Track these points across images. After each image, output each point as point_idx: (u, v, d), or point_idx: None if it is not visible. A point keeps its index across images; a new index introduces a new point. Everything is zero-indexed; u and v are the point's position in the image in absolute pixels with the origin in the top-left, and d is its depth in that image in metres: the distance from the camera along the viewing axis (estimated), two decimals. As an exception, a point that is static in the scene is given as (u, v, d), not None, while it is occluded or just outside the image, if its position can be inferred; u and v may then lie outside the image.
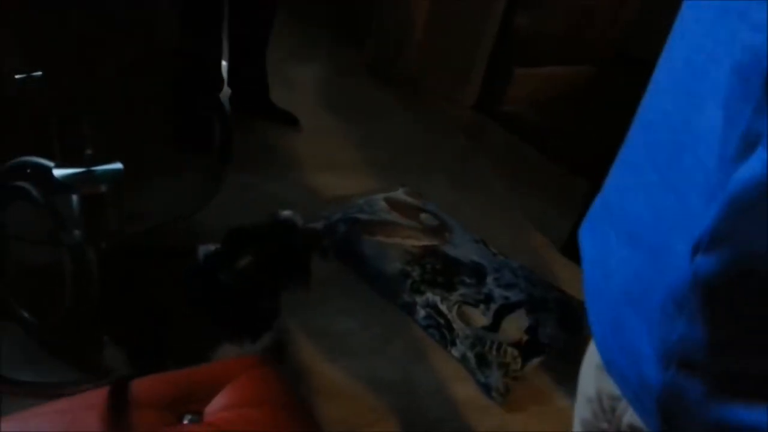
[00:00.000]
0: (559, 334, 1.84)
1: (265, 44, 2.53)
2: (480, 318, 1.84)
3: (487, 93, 3.16)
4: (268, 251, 1.38)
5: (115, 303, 1.42)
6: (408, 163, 2.62)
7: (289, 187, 2.30)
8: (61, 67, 1.60)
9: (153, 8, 1.95)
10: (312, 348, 1.73)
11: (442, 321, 1.83)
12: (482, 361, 1.73)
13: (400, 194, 2.31)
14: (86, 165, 1.20)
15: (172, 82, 2.18)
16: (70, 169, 1.20)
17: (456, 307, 1.85)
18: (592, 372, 0.72)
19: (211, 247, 1.41)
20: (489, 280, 1.97)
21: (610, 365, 0.62)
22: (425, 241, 2.08)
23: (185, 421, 0.87)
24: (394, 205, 2.22)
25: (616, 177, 0.63)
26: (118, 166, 1.22)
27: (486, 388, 1.71)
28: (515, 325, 1.84)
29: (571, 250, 2.20)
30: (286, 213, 1.45)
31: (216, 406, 0.89)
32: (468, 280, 1.95)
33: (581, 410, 0.76)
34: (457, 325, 1.81)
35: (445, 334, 1.82)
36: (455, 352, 1.79)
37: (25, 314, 1.51)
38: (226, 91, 2.60)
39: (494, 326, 1.82)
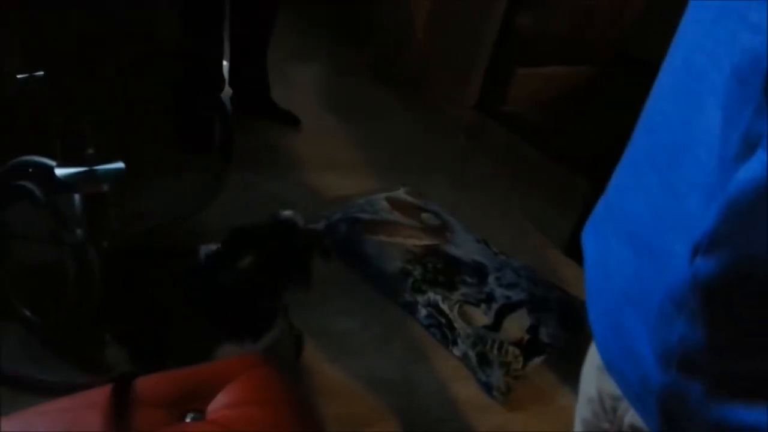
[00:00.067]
0: (560, 334, 1.84)
1: (266, 44, 2.53)
2: (481, 317, 1.85)
3: (488, 93, 3.16)
4: (268, 251, 1.38)
5: (116, 302, 1.42)
6: (409, 162, 2.62)
7: (291, 187, 2.30)
8: (62, 67, 1.60)
9: (154, 8, 1.95)
10: (312, 348, 1.73)
11: (443, 320, 1.83)
12: (483, 361, 1.73)
13: (401, 194, 2.31)
14: (88, 164, 1.20)
15: (174, 81, 2.18)
16: (72, 168, 1.20)
17: (457, 306, 1.86)
18: (593, 372, 0.72)
19: (213, 247, 1.41)
20: (490, 279, 1.98)
21: (610, 366, 0.62)
22: (426, 241, 2.08)
23: (188, 420, 0.87)
24: (395, 204, 2.22)
25: (618, 178, 0.63)
26: (120, 165, 1.22)
27: (487, 388, 1.71)
28: (517, 325, 1.84)
29: (573, 250, 2.20)
30: (287, 213, 1.46)
31: (218, 405, 0.89)
32: (469, 280, 1.96)
33: (582, 410, 0.76)
34: (459, 324, 1.81)
35: (446, 334, 1.82)
36: (456, 352, 1.79)
37: (28, 313, 1.52)
38: (228, 90, 2.60)
39: (496, 325, 1.82)
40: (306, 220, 1.49)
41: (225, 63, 2.55)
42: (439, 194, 2.40)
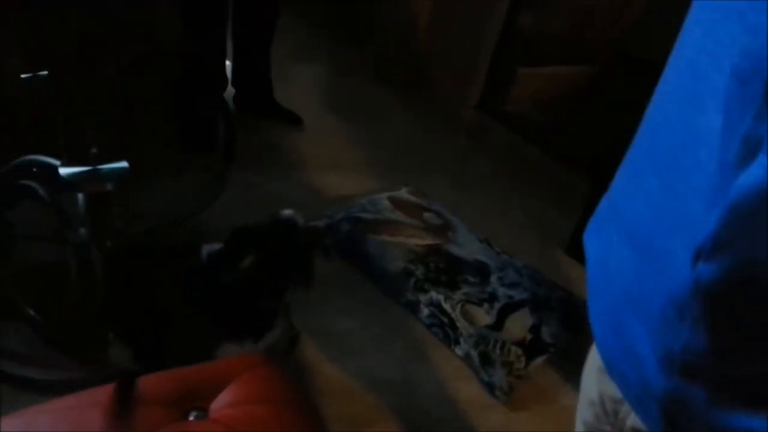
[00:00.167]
0: (562, 333, 1.84)
1: (268, 44, 2.54)
2: (483, 317, 1.85)
3: (490, 93, 3.16)
4: (269, 251, 1.39)
5: (119, 301, 1.43)
6: (410, 162, 2.62)
7: (293, 187, 2.31)
8: (66, 67, 1.60)
9: (156, 8, 1.95)
10: (314, 347, 1.74)
11: (445, 319, 1.83)
12: (486, 360, 1.74)
13: (403, 193, 2.31)
14: (92, 164, 1.21)
15: (176, 81, 2.18)
16: (76, 167, 1.20)
17: (459, 305, 1.86)
18: (593, 374, 0.71)
19: (215, 247, 1.41)
20: (493, 278, 1.98)
21: (611, 368, 0.62)
22: (429, 240, 2.08)
23: (191, 418, 0.87)
24: (397, 204, 2.23)
25: (620, 179, 0.63)
26: (124, 165, 1.22)
27: (489, 387, 1.71)
28: (519, 324, 1.84)
29: (574, 250, 2.20)
30: (287, 212, 1.46)
31: (221, 403, 0.89)
32: (472, 279, 1.96)
33: (583, 413, 0.76)
34: (461, 323, 1.82)
35: (448, 333, 1.82)
36: (459, 351, 1.79)
37: (31, 312, 1.52)
38: (230, 90, 2.60)
39: (498, 325, 1.82)
40: (306, 219, 1.49)
41: (228, 63, 2.55)
42: (441, 194, 2.40)
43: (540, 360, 1.78)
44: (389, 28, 3.21)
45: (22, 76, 1.42)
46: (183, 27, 2.15)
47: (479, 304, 1.88)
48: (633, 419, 0.63)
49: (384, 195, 2.26)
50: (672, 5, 0.57)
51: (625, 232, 0.57)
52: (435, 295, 1.88)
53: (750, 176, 0.41)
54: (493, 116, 3.13)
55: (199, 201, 1.92)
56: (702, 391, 0.48)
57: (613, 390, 0.65)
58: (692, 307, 0.47)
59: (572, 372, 0.77)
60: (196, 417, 0.88)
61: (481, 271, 2.00)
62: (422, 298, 1.89)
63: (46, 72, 1.43)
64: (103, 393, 0.89)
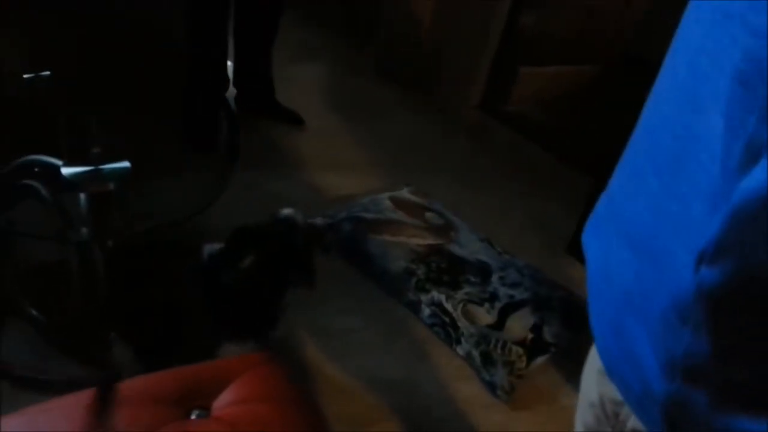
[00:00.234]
0: (563, 333, 1.84)
1: (270, 44, 2.54)
2: (485, 316, 1.85)
3: (491, 92, 3.16)
4: (269, 250, 1.39)
5: (121, 301, 1.43)
6: (412, 162, 2.62)
7: (294, 187, 2.31)
8: (68, 67, 1.61)
9: (159, 8, 1.96)
10: (315, 346, 1.74)
11: (447, 319, 1.84)
12: (487, 360, 1.74)
13: (405, 193, 2.31)
14: (94, 163, 1.21)
15: (179, 81, 2.19)
16: (78, 167, 1.20)
17: (461, 305, 1.86)
18: (593, 376, 0.71)
19: (216, 246, 1.41)
20: (494, 278, 1.98)
21: (611, 370, 0.62)
22: (430, 240, 2.08)
23: (193, 416, 0.87)
24: (399, 203, 2.23)
25: (618, 179, 0.62)
26: (126, 164, 1.22)
27: (491, 387, 1.71)
28: (520, 324, 1.84)
29: (576, 249, 2.20)
30: (287, 211, 1.46)
31: (223, 402, 0.90)
32: (473, 279, 1.96)
33: (584, 415, 0.76)
34: (462, 323, 1.82)
35: (450, 333, 1.82)
36: (460, 351, 1.79)
37: (33, 311, 1.52)
38: (232, 90, 2.61)
39: (499, 324, 1.83)
40: (305, 217, 1.49)
41: (229, 63, 2.56)
42: (443, 193, 2.40)
43: (541, 360, 1.78)
44: (391, 27, 3.21)
45: (25, 76, 1.42)
46: (185, 27, 2.16)
47: (480, 303, 1.88)
48: (633, 421, 0.63)
49: (385, 195, 2.27)
50: (674, 5, 0.57)
51: (625, 234, 0.57)
52: (436, 294, 1.88)
53: (753, 180, 0.41)
54: (494, 116, 3.13)
55: (201, 200, 1.92)
56: (704, 394, 0.48)
57: (613, 392, 0.65)
58: (694, 311, 0.46)
59: (573, 372, 0.77)
60: (198, 416, 0.88)
61: (483, 271, 2.00)
62: (424, 297, 1.89)
63: (48, 72, 1.43)
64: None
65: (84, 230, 1.29)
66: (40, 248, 1.61)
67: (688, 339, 0.47)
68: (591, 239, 0.66)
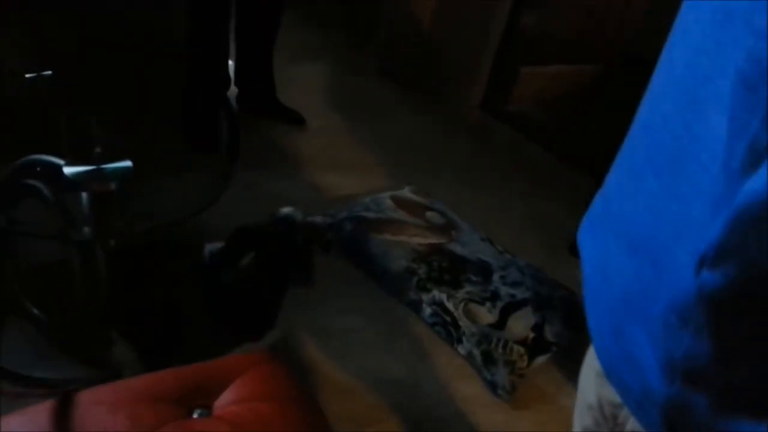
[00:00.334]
0: (565, 332, 1.84)
1: (272, 43, 2.54)
2: (486, 315, 1.85)
3: (493, 92, 3.16)
4: (269, 250, 1.39)
5: (123, 300, 1.43)
6: (414, 162, 2.62)
7: (296, 186, 2.31)
8: (70, 67, 1.61)
9: (159, 8, 1.96)
10: (317, 346, 1.74)
11: (448, 318, 1.84)
12: (488, 359, 1.74)
13: (406, 192, 2.31)
14: (96, 163, 1.21)
15: (180, 81, 2.19)
16: (80, 167, 1.20)
17: (462, 304, 1.86)
18: (591, 378, 0.71)
19: (218, 246, 1.42)
20: (495, 277, 1.98)
21: (610, 372, 0.61)
22: (432, 239, 2.09)
23: (195, 415, 0.87)
24: (400, 203, 2.23)
25: (615, 179, 0.62)
26: (128, 164, 1.22)
27: (492, 386, 1.71)
28: (521, 323, 1.84)
29: (577, 249, 2.20)
30: (286, 210, 1.46)
31: (225, 401, 0.90)
32: (474, 278, 1.96)
33: (582, 417, 0.75)
34: (464, 322, 1.82)
35: (451, 332, 1.82)
36: (461, 350, 1.79)
37: (35, 311, 1.52)
38: (233, 90, 2.61)
39: (500, 324, 1.83)
40: (305, 215, 1.49)
41: (230, 62, 2.56)
42: (444, 193, 2.40)
43: (542, 359, 1.78)
44: (392, 27, 3.22)
45: (27, 76, 1.42)
46: (186, 27, 2.16)
47: (482, 303, 1.88)
48: (632, 424, 0.62)
49: (387, 194, 2.27)
50: (674, 5, 0.57)
51: (624, 234, 0.56)
52: (437, 294, 1.88)
53: (756, 182, 0.40)
54: (496, 116, 3.14)
55: (202, 200, 1.93)
56: (704, 397, 0.47)
57: (611, 394, 0.65)
58: (695, 314, 0.46)
59: (575, 371, 0.78)
60: (200, 414, 0.88)
61: (484, 270, 2.00)
62: (425, 297, 1.89)
63: (50, 72, 1.43)
64: (106, 391, 0.90)
65: (86, 230, 1.29)
66: (41, 248, 1.62)
67: (689, 341, 0.47)
68: (586, 239, 0.65)
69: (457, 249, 2.07)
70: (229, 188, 2.04)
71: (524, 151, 2.93)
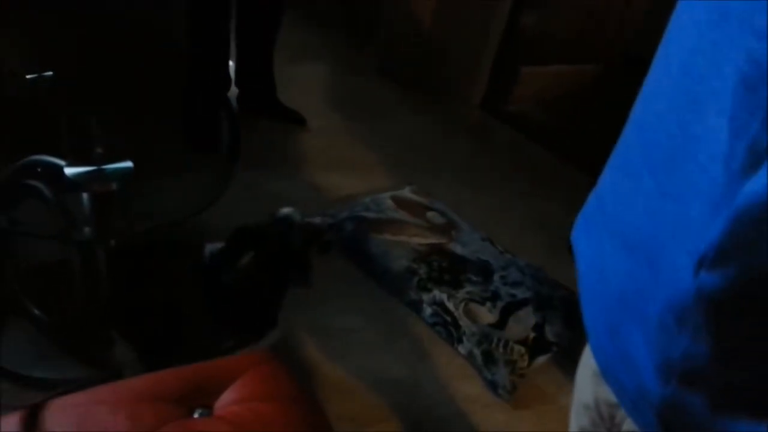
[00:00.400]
0: (565, 332, 1.84)
1: (272, 44, 2.54)
2: (487, 315, 1.85)
3: (493, 92, 3.16)
4: (267, 250, 1.39)
5: (123, 300, 1.43)
6: (415, 162, 2.62)
7: (296, 186, 2.31)
8: (70, 67, 1.61)
9: (159, 8, 1.96)
10: (316, 346, 1.74)
11: (448, 318, 1.84)
12: (489, 359, 1.74)
13: (406, 192, 2.31)
14: (97, 164, 1.21)
15: (181, 81, 2.19)
16: (81, 167, 1.21)
17: (463, 304, 1.86)
18: (588, 378, 0.71)
19: (218, 246, 1.42)
20: (496, 277, 1.98)
21: (606, 371, 0.61)
22: (432, 239, 2.09)
23: (196, 415, 0.87)
24: (400, 203, 2.23)
25: (609, 178, 0.61)
26: (128, 164, 1.23)
27: (492, 386, 1.71)
28: (522, 323, 1.84)
29: (576, 249, 2.20)
30: (286, 210, 1.46)
31: (226, 401, 0.90)
32: (475, 278, 1.96)
33: (579, 417, 0.75)
34: (464, 322, 1.82)
35: (451, 332, 1.82)
36: (462, 350, 1.79)
37: (36, 311, 1.53)
38: (234, 90, 2.61)
39: (501, 324, 1.83)
40: (303, 215, 1.49)
41: (231, 63, 2.56)
42: (445, 193, 2.40)
43: (543, 359, 1.78)
44: (392, 27, 3.22)
45: (28, 76, 1.43)
46: (186, 27, 2.16)
47: (482, 302, 1.88)
48: (629, 424, 0.62)
49: (387, 194, 2.27)
50: (674, 5, 0.57)
51: (620, 234, 0.56)
52: (438, 293, 1.89)
53: (757, 183, 0.40)
54: (495, 115, 3.14)
55: (203, 200, 1.93)
56: (701, 397, 0.47)
57: (608, 394, 0.65)
58: (694, 314, 0.46)
59: (575, 371, 0.78)
60: (201, 414, 0.88)
61: (484, 270, 2.00)
62: (425, 297, 1.89)
63: (51, 72, 1.43)
64: (106, 391, 0.90)
65: (87, 230, 1.30)
66: (42, 248, 1.62)
67: (687, 342, 0.47)
68: (581, 238, 0.65)
69: (458, 249, 2.07)
70: (229, 188, 2.04)
71: (524, 151, 2.93)
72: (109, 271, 1.38)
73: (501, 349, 1.75)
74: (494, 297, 1.90)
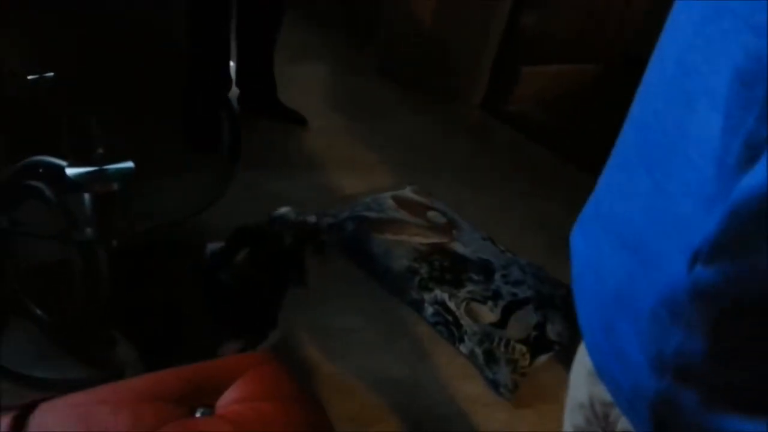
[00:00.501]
0: (566, 331, 1.84)
1: (273, 44, 2.54)
2: (488, 314, 1.85)
3: (493, 92, 3.16)
4: (264, 249, 1.39)
5: (125, 300, 1.44)
6: (415, 161, 2.62)
7: (296, 186, 2.31)
8: (70, 67, 1.61)
9: (159, 8, 1.96)
10: (316, 346, 1.74)
11: (450, 318, 1.84)
12: (490, 358, 1.74)
13: (407, 192, 2.31)
14: (98, 164, 1.21)
15: (182, 81, 2.19)
16: (82, 168, 1.21)
17: (464, 303, 1.86)
18: (583, 378, 0.71)
19: (219, 245, 1.42)
20: (497, 277, 1.98)
21: (601, 370, 0.61)
22: (433, 239, 2.09)
23: (197, 415, 0.87)
24: (401, 203, 2.23)
25: (608, 177, 0.61)
26: (130, 164, 1.23)
27: (494, 385, 1.71)
28: (523, 322, 1.84)
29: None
30: (282, 210, 1.46)
31: (227, 400, 0.90)
32: (476, 277, 1.96)
33: (573, 416, 0.75)
34: (465, 321, 1.82)
35: (453, 331, 1.82)
36: (463, 349, 1.80)
37: (37, 311, 1.53)
38: (234, 90, 2.61)
39: (502, 323, 1.83)
40: (299, 215, 1.48)
41: (232, 63, 2.57)
42: (445, 193, 2.40)
43: (544, 358, 1.78)
44: (392, 27, 3.22)
45: (29, 77, 1.43)
46: (186, 27, 2.16)
47: (483, 302, 1.88)
48: (624, 423, 0.62)
49: (388, 194, 2.27)
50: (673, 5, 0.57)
51: (615, 233, 0.56)
52: (439, 293, 1.89)
53: (753, 178, 0.40)
54: (496, 115, 3.14)
55: (204, 200, 1.93)
56: (695, 393, 0.47)
57: (603, 393, 0.65)
58: (688, 309, 0.46)
59: (576, 369, 0.79)
60: (203, 414, 0.88)
61: (486, 269, 2.00)
62: (426, 296, 1.89)
63: (52, 73, 1.44)
64: (109, 390, 0.90)
65: (88, 230, 1.30)
66: (43, 248, 1.62)
67: (680, 337, 0.47)
68: (578, 238, 0.65)
69: (459, 248, 2.07)
70: (230, 188, 2.04)
71: (524, 151, 2.93)
72: (111, 271, 1.38)
73: (502, 348, 1.75)
74: (495, 296, 1.91)
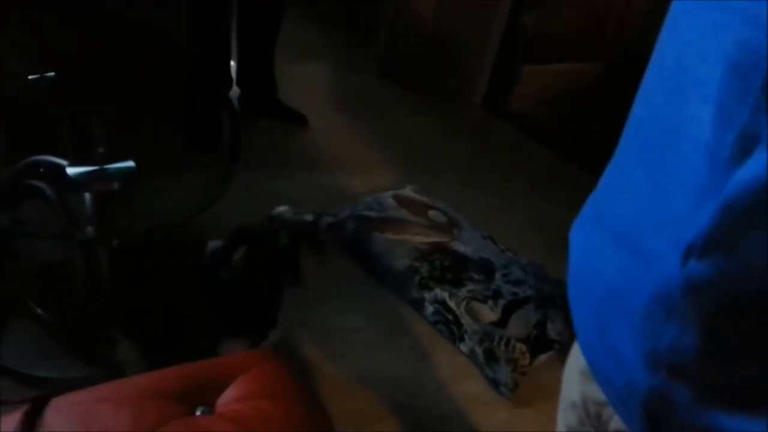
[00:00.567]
0: (566, 330, 1.84)
1: (273, 43, 2.54)
2: (488, 313, 1.85)
3: (494, 91, 3.16)
4: (261, 248, 1.39)
5: (126, 299, 1.44)
6: (416, 161, 2.62)
7: (296, 186, 2.31)
8: (71, 67, 1.61)
9: (160, 8, 1.96)
10: (316, 345, 1.74)
11: (450, 317, 1.84)
12: (491, 357, 1.74)
13: (408, 191, 2.32)
14: (99, 163, 1.21)
15: (182, 81, 2.19)
16: (83, 167, 1.21)
17: (464, 302, 1.86)
18: (575, 377, 0.71)
19: (219, 244, 1.42)
20: (497, 276, 1.98)
21: (594, 367, 0.61)
22: (434, 238, 2.09)
23: (198, 413, 0.87)
24: (402, 202, 2.23)
25: (607, 176, 0.61)
26: (130, 164, 1.23)
27: (494, 384, 1.71)
28: (523, 321, 1.84)
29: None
30: (281, 209, 1.46)
31: (228, 398, 0.90)
32: (476, 276, 1.96)
33: (566, 416, 0.75)
34: (466, 320, 1.82)
35: (453, 330, 1.83)
36: (464, 348, 1.80)
37: (39, 310, 1.53)
38: (235, 90, 2.61)
39: (503, 322, 1.83)
40: (296, 214, 1.48)
41: (232, 63, 2.57)
42: (445, 193, 2.40)
43: (545, 357, 1.78)
44: (392, 27, 3.22)
45: (30, 77, 1.43)
46: (187, 27, 2.16)
47: (484, 301, 1.88)
48: (616, 422, 0.62)
49: (389, 193, 2.27)
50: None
51: (609, 229, 0.56)
52: (440, 292, 1.89)
53: (747, 172, 0.40)
54: (496, 115, 3.14)
55: (204, 200, 1.93)
56: (688, 389, 0.47)
57: (595, 392, 0.65)
58: (682, 304, 0.45)
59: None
60: (203, 412, 0.88)
61: (486, 269, 2.00)
62: (427, 295, 1.89)
63: (53, 73, 1.44)
64: (110, 389, 0.90)
65: (89, 230, 1.30)
66: (44, 248, 1.62)
67: (674, 333, 0.47)
68: (577, 236, 0.66)
69: (459, 247, 2.08)
70: (230, 188, 2.04)
71: (525, 150, 2.93)
72: (112, 271, 1.38)
73: (503, 347, 1.75)
74: (496, 295, 1.91)
